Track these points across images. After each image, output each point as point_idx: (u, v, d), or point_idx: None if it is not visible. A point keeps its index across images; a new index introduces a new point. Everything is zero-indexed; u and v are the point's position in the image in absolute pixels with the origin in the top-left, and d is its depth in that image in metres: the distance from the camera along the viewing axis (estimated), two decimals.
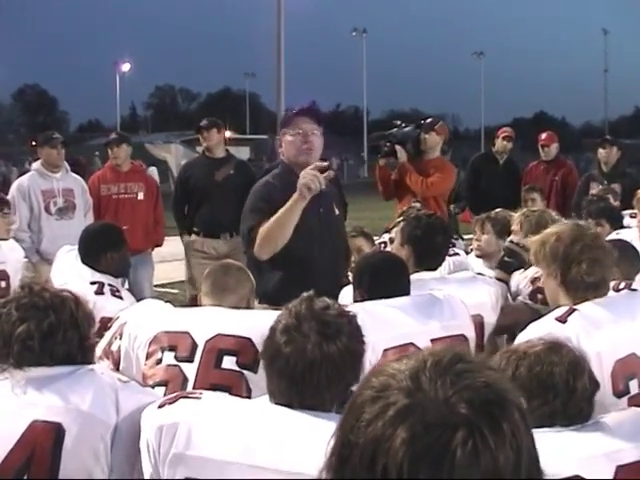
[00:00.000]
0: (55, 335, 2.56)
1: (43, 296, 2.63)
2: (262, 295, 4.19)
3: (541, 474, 1.19)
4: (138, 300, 4.14)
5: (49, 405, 2.44)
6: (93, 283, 4.14)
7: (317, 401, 2.24)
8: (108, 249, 4.39)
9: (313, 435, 2.09)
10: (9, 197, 7.40)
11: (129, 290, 7.34)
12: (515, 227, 4.65)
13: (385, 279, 3.55)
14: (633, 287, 3.59)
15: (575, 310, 3.12)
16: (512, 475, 1.11)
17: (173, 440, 2.21)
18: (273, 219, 4.05)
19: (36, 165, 7.58)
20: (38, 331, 2.54)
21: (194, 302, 3.79)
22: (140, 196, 7.93)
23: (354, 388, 2.40)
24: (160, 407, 2.35)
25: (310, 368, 2.22)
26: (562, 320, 3.06)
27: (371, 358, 3.12)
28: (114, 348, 3.24)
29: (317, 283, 3.69)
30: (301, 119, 4.33)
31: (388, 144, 6.82)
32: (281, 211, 4.03)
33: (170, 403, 2.34)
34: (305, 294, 2.41)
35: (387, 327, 3.30)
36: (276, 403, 2.27)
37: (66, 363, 2.57)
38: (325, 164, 4.09)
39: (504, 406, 1.15)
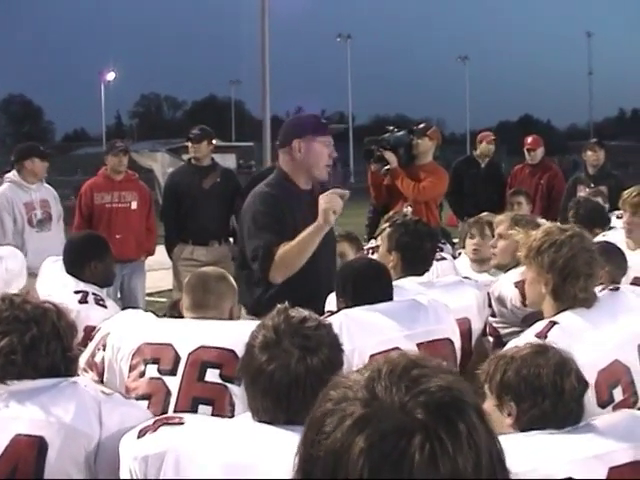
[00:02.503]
0: (38, 348, 2.55)
1: (24, 308, 2.61)
2: (253, 308, 4.17)
3: (507, 473, 1.18)
4: (129, 308, 4.12)
5: (32, 419, 2.43)
6: (77, 292, 4.11)
7: (303, 416, 2.19)
8: (93, 259, 4.37)
9: None
10: None
11: (121, 299, 7.37)
12: (504, 231, 4.63)
13: (368, 285, 3.53)
14: (620, 288, 3.57)
15: (555, 324, 3.10)
16: (473, 475, 1.10)
17: (160, 470, 2.17)
18: (293, 245, 3.99)
19: (13, 176, 7.43)
20: (21, 344, 2.53)
21: (175, 307, 3.76)
22: (134, 205, 7.92)
23: None
24: (140, 436, 2.29)
25: (296, 384, 2.19)
26: (542, 336, 3.03)
27: (358, 364, 3.11)
28: (97, 359, 3.21)
29: (314, 295, 3.71)
30: (328, 136, 4.32)
31: (380, 149, 6.81)
32: (302, 237, 3.96)
33: (152, 431, 2.28)
34: (280, 306, 2.37)
35: (372, 333, 3.28)
36: (260, 421, 2.23)
37: (50, 375, 2.56)
38: (345, 192, 4.04)
39: (460, 407, 1.15)
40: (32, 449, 2.38)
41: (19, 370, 2.53)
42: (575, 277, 3.18)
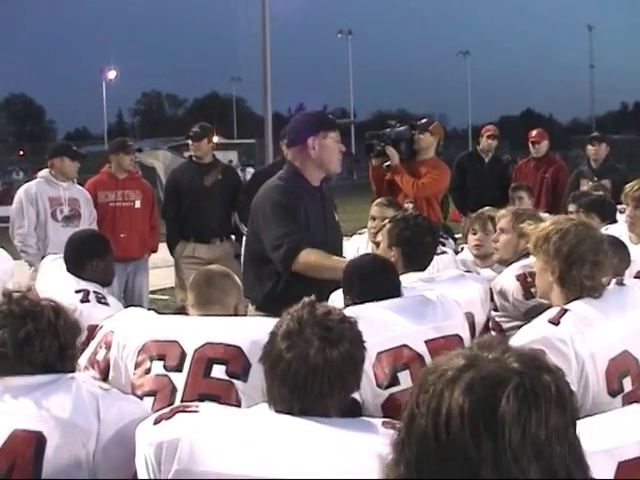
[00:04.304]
0: (32, 343, 2.56)
1: (21, 304, 2.63)
2: (263, 303, 4.23)
3: (577, 435, 1.37)
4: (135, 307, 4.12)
5: (30, 414, 2.44)
6: (78, 291, 4.11)
7: (319, 407, 2.21)
8: (94, 257, 4.37)
9: (321, 443, 2.08)
10: (15, 203, 7.46)
11: (125, 297, 7.39)
12: (505, 226, 4.62)
13: (375, 282, 3.51)
14: (623, 281, 3.57)
15: (567, 311, 3.09)
16: (559, 417, 1.29)
17: (174, 457, 2.16)
18: (322, 265, 4.11)
19: (43, 173, 7.55)
20: (12, 339, 2.55)
21: (184, 309, 3.76)
22: (137, 204, 7.93)
23: (356, 396, 2.39)
24: (156, 423, 2.29)
25: (313, 374, 2.20)
26: (555, 322, 3.03)
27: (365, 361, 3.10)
28: (99, 357, 3.21)
29: (322, 291, 3.74)
30: (337, 131, 4.48)
31: (381, 144, 6.79)
32: (332, 265, 4.05)
33: (167, 418, 2.29)
34: (306, 299, 2.39)
35: (380, 330, 3.25)
36: (277, 411, 2.24)
37: (45, 371, 2.57)
38: None
39: (548, 366, 1.35)
40: (30, 444, 2.39)
41: (10, 365, 2.55)
42: (580, 264, 3.17)
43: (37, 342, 2.57)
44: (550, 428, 1.25)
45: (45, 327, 2.60)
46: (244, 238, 7.65)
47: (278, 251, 4.21)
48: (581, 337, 2.98)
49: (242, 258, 4.76)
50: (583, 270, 3.18)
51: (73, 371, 2.69)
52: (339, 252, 4.64)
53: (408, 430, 1.33)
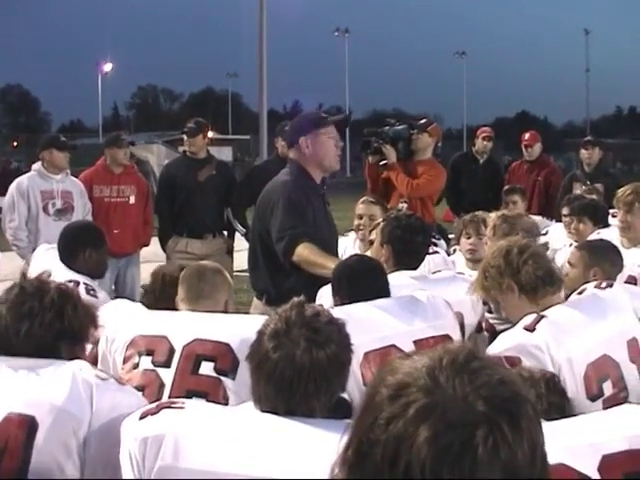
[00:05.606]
0: (33, 319, 2.63)
1: (33, 283, 2.74)
2: (276, 298, 4.26)
3: (548, 467, 1.24)
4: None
5: (24, 398, 2.45)
6: (68, 282, 4.06)
7: (304, 408, 2.21)
8: (87, 247, 4.38)
9: (305, 443, 2.08)
10: (7, 196, 7.44)
11: (116, 290, 7.38)
12: (489, 232, 4.66)
13: (364, 282, 3.53)
14: (614, 285, 3.58)
15: (543, 317, 3.12)
16: (529, 468, 1.17)
17: (159, 452, 2.16)
18: (314, 261, 4.19)
19: (36, 166, 7.53)
20: (16, 311, 2.63)
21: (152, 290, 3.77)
22: (132, 200, 7.88)
23: (345, 395, 2.37)
24: (142, 418, 2.29)
25: (298, 375, 2.20)
26: (530, 329, 3.07)
27: (352, 362, 3.10)
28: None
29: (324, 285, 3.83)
30: (333, 127, 4.58)
31: (379, 141, 6.77)
32: (321, 263, 4.13)
33: (153, 414, 2.28)
34: (295, 299, 2.38)
35: (368, 330, 3.26)
36: (262, 410, 2.23)
37: (42, 350, 2.61)
38: None
39: (519, 402, 1.20)
40: (23, 428, 2.40)
41: (10, 343, 2.62)
42: (523, 262, 3.30)
43: (38, 318, 2.63)
44: (516, 464, 1.16)
45: (48, 305, 2.65)
46: (236, 234, 7.72)
47: (280, 243, 4.32)
48: (556, 343, 3.00)
49: (248, 253, 4.81)
50: (528, 265, 3.28)
51: (74, 357, 2.69)
52: (336, 249, 4.76)
53: (358, 460, 1.21)
